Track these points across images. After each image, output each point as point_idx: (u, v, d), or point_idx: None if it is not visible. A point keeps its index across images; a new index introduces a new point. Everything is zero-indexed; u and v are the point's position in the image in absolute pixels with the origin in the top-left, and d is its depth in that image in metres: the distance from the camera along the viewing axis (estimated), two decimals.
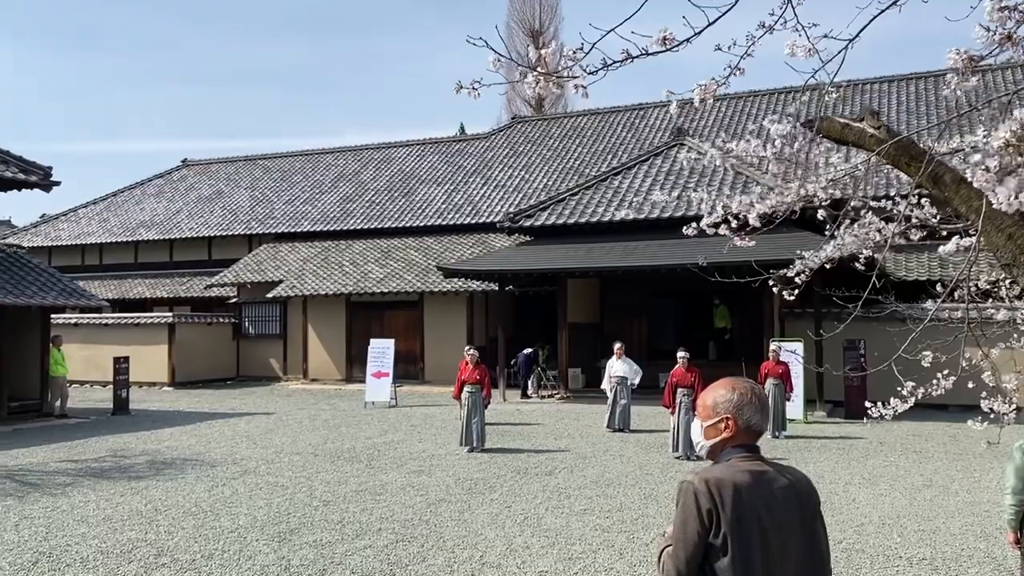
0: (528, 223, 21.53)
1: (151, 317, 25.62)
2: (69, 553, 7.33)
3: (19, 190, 19.22)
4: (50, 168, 18.98)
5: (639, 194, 20.73)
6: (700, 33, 2.77)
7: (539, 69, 3.34)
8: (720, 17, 2.76)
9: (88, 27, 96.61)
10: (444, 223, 27.60)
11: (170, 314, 25.68)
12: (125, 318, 25.54)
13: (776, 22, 3.52)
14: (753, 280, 5.04)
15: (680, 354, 12.49)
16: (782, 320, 19.38)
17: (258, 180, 35.07)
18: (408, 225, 28.04)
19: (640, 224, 20.12)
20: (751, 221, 4.41)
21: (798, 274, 4.81)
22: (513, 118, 36.16)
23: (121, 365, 18.75)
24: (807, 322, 19.07)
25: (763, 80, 50.29)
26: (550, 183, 28.02)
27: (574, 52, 3.08)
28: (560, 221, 21.04)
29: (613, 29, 3.18)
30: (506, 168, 30.15)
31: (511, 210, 25.20)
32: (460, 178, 30.28)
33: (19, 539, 7.83)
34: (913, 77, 27.99)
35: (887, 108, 26.59)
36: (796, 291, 4.83)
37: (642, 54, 2.76)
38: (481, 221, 26.95)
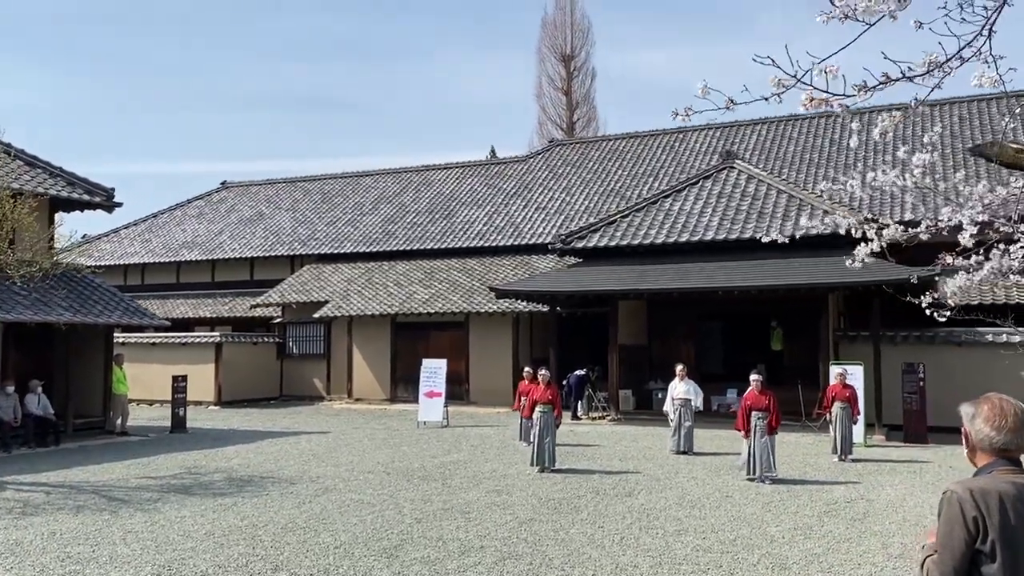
0: (580, 244, 21.65)
1: (199, 337, 25.91)
2: (187, 566, 7.46)
3: (82, 211, 19.65)
4: (112, 190, 19.37)
5: (691, 216, 20.83)
6: (952, 57, 2.91)
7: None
8: (973, 38, 2.89)
9: (128, 52, 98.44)
10: (486, 244, 27.79)
11: (217, 334, 25.93)
12: (173, 337, 25.80)
13: (972, 55, 3.66)
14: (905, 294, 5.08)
15: (753, 377, 12.46)
16: (836, 344, 19.35)
17: (298, 202, 35.50)
18: (450, 247, 28.26)
19: (694, 246, 20.17)
20: (965, 242, 4.51)
21: (951, 296, 4.90)
22: (551, 141, 36.42)
23: (179, 384, 18.96)
24: (860, 345, 19.06)
25: (795, 105, 50.27)
26: (591, 205, 28.20)
27: (829, 67, 3.20)
28: (612, 243, 21.14)
29: (837, 51, 3.32)
30: (546, 190, 30.36)
31: (554, 231, 25.38)
32: (500, 200, 30.52)
33: (131, 553, 7.97)
34: None
35: None
36: (950, 312, 4.93)
37: (902, 77, 2.91)
38: (523, 243, 27.13)
